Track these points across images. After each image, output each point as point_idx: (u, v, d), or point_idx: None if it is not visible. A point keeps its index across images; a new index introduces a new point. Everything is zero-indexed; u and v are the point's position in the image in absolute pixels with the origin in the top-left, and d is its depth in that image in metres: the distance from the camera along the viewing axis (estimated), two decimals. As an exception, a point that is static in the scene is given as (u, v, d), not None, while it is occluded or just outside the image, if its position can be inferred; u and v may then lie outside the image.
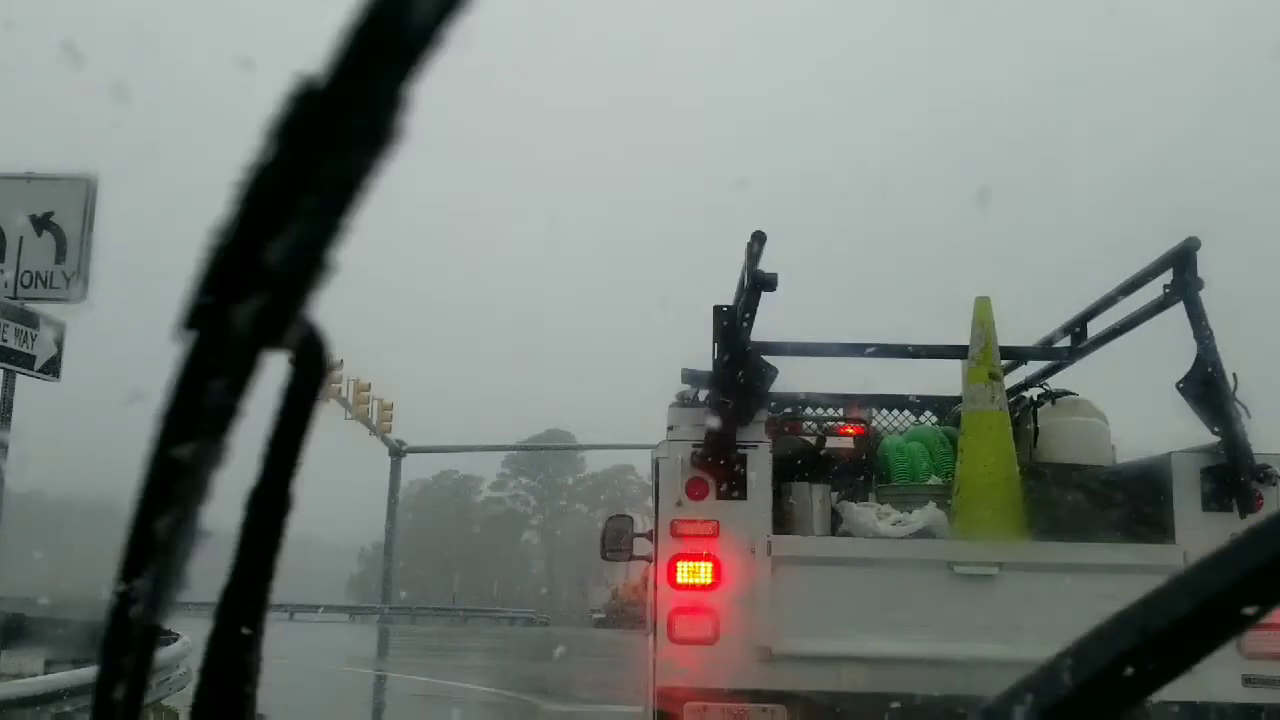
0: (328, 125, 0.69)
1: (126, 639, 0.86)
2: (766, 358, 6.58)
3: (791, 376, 6.92)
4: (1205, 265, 6.13)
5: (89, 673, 9.29)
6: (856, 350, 7.30)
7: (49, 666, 10.06)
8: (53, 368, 9.64)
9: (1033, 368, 7.97)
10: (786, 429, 7.48)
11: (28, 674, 9.86)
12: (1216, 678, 5.79)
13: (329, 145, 0.70)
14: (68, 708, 8.58)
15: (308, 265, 0.73)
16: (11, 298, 9.43)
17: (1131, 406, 7.34)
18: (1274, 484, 6.06)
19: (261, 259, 0.72)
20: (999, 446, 6.40)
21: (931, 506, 6.48)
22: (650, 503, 6.96)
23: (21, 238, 9.63)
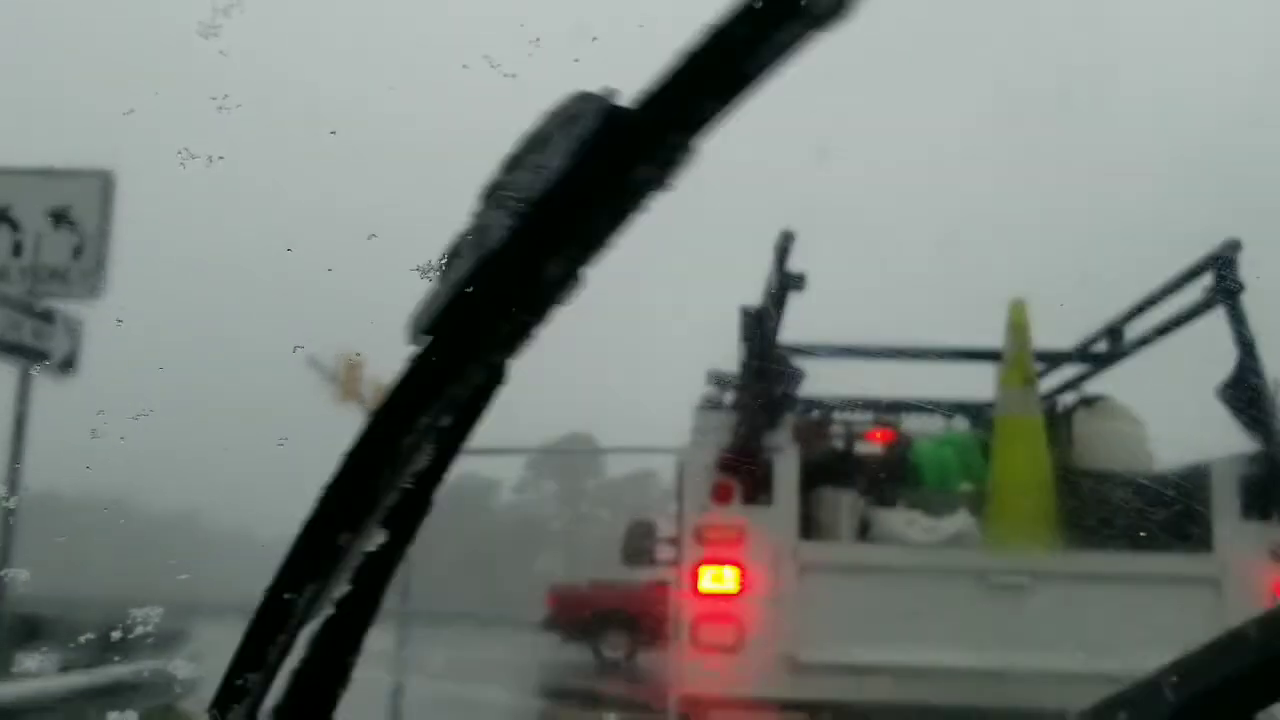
0: (641, 144, 0.71)
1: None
2: (793, 360, 6.47)
3: (820, 379, 6.81)
4: (1259, 261, 6.00)
5: (104, 674, 9.23)
6: (886, 353, 7.18)
7: (65, 668, 9.99)
8: (69, 365, 9.57)
9: (1069, 370, 7.83)
10: (814, 433, 7.36)
11: (43, 675, 9.79)
12: None
13: (634, 163, 0.71)
14: (84, 710, 8.52)
15: (573, 283, 0.74)
16: (28, 294, 9.38)
17: (1170, 411, 7.20)
18: None
19: (539, 273, 0.74)
20: (1033, 453, 6.28)
21: (963, 514, 6.35)
22: (674, 508, 6.86)
23: (39, 233, 9.58)
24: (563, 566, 52.82)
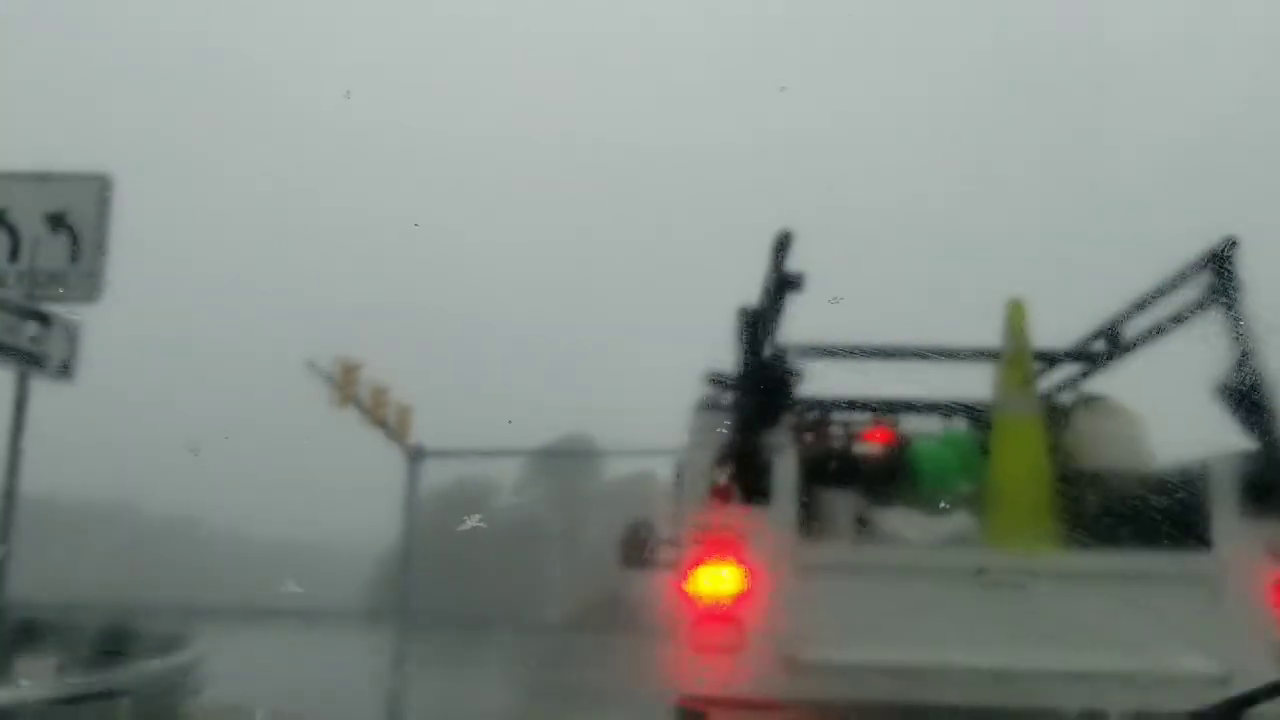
0: None
1: None
2: (792, 360, 6.47)
3: (818, 379, 6.81)
4: (1256, 259, 6.00)
5: (105, 677, 9.23)
6: (885, 353, 7.19)
7: (61, 671, 9.98)
8: (67, 369, 9.56)
9: (1067, 369, 7.83)
10: (812, 433, 7.36)
11: (44, 678, 9.79)
12: None
13: None
14: (85, 713, 8.52)
15: None
16: (26, 297, 9.37)
17: (1169, 409, 7.20)
18: None
19: None
20: (1031, 452, 6.27)
21: (962, 513, 6.35)
22: (672, 508, 6.86)
23: (36, 237, 9.57)
24: (562, 568, 52.82)
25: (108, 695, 8.79)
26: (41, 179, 9.79)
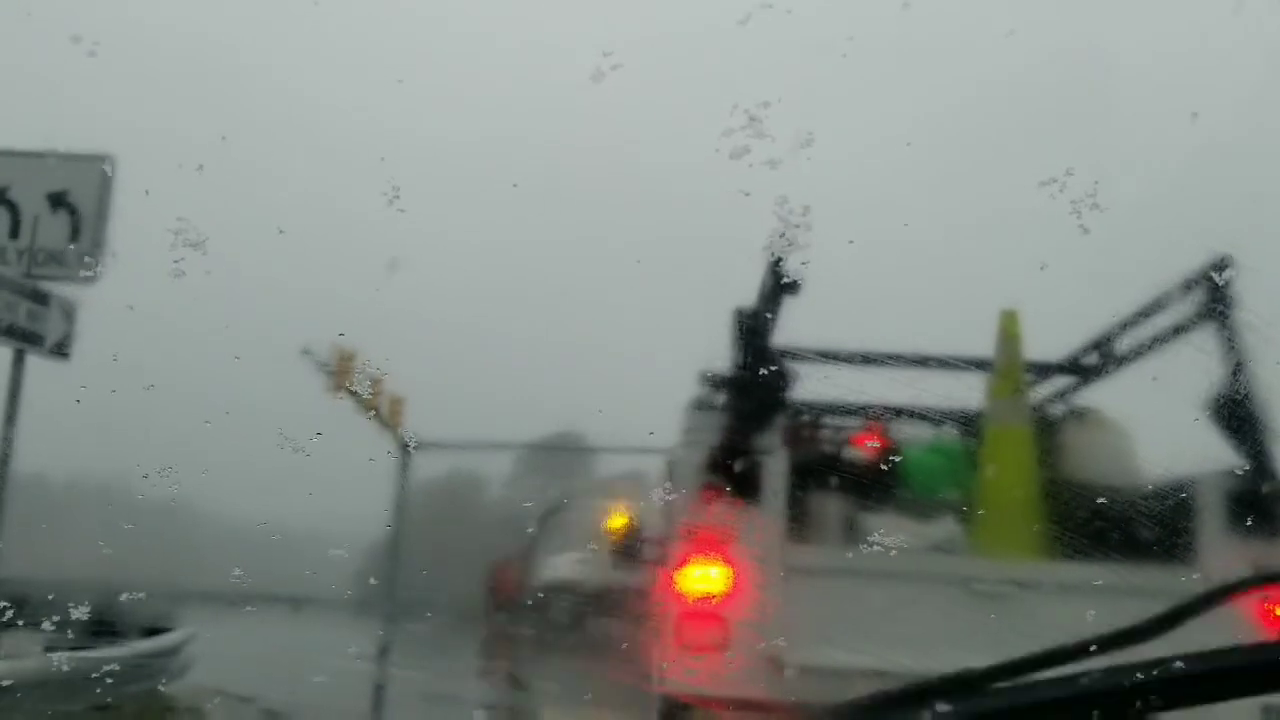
0: None
1: None
2: (786, 363, 6.49)
3: (811, 383, 6.82)
4: (1249, 275, 6.02)
5: (91, 658, 9.22)
6: (878, 359, 7.21)
7: (48, 650, 9.98)
8: (63, 348, 9.55)
9: (1059, 381, 7.85)
10: (804, 436, 7.38)
11: (29, 657, 9.78)
12: (1232, 711, 5.66)
13: None
14: (71, 693, 8.51)
15: None
16: (25, 276, 9.36)
17: (1159, 424, 7.21)
18: None
19: None
20: (1020, 463, 6.30)
21: (950, 521, 6.37)
22: (663, 507, 6.88)
23: (36, 215, 9.56)
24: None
25: (93, 674, 8.78)
26: (44, 158, 9.79)
